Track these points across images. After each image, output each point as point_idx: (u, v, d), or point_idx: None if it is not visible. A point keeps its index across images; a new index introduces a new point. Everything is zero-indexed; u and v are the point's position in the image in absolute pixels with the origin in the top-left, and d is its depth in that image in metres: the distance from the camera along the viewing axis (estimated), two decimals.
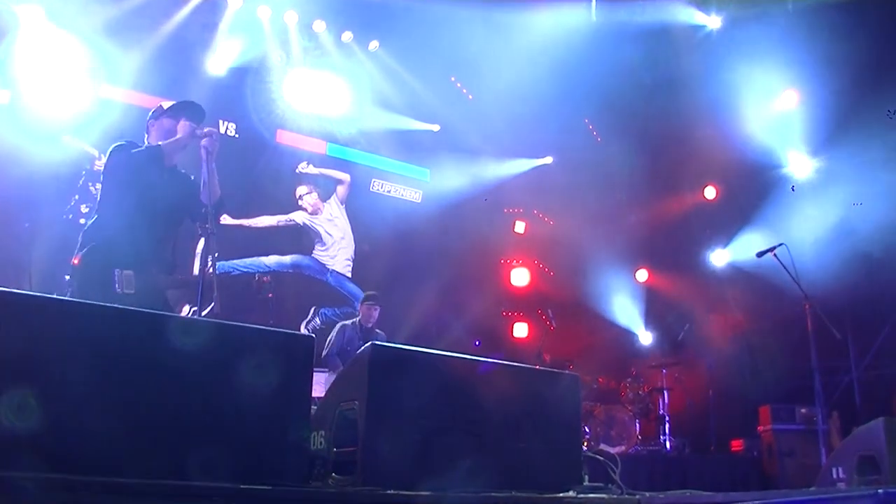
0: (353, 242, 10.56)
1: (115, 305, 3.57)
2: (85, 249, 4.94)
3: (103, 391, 2.90)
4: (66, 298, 3.41)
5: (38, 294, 3.09)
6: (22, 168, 8.15)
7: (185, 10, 9.27)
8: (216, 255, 4.85)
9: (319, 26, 10.18)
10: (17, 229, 7.87)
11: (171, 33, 9.22)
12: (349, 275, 10.45)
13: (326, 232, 10.36)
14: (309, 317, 9.98)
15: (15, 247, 7.87)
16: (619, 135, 11.22)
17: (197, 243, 5.12)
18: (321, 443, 3.58)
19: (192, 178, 5.20)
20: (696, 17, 10.40)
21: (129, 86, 8.99)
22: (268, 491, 2.91)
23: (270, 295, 8.47)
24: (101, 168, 6.98)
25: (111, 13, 8.79)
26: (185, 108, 5.27)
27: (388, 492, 3.13)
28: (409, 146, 11.20)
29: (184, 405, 3.00)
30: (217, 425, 3.03)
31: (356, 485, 3.23)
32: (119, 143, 5.21)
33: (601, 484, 3.86)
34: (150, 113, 5.41)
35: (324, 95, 10.42)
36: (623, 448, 9.52)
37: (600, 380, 10.41)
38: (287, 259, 10.02)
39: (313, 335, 3.44)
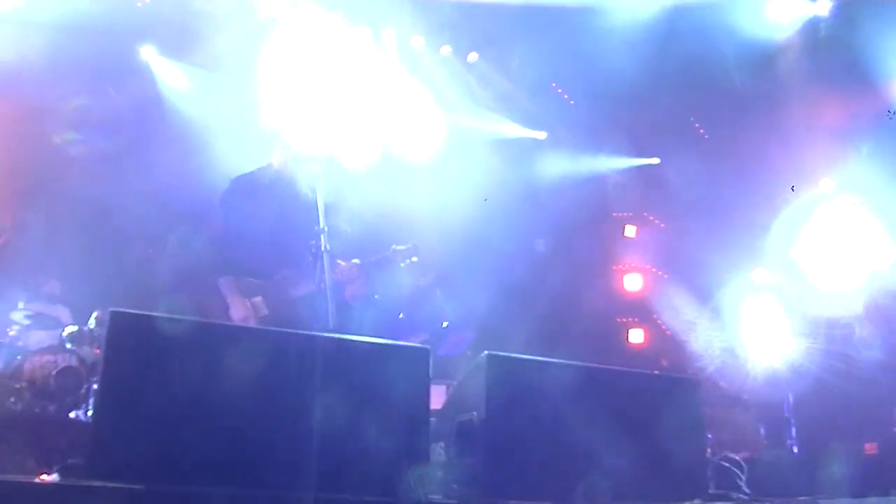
0: None
1: (238, 325, 3.71)
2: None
3: (218, 408, 3.01)
4: (190, 319, 3.57)
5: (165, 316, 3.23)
6: (149, 198, 8.60)
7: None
8: (328, 272, 4.96)
9: (418, 42, 10.28)
10: (145, 254, 8.31)
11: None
12: None
13: None
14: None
15: (144, 271, 8.32)
16: (727, 132, 10.91)
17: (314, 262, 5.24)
18: (441, 454, 3.60)
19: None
20: (803, 6, 10.00)
21: None
22: (388, 503, 2.95)
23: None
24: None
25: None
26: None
27: (510, 503, 3.13)
28: (515, 155, 11.17)
29: (306, 421, 3.08)
30: (338, 440, 3.09)
31: (477, 496, 3.24)
32: (239, 174, 5.54)
33: (727, 492, 3.76)
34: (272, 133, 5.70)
35: (428, 109, 10.51)
36: (748, 454, 9.20)
37: (722, 384, 10.11)
38: None
39: (428, 346, 3.47)
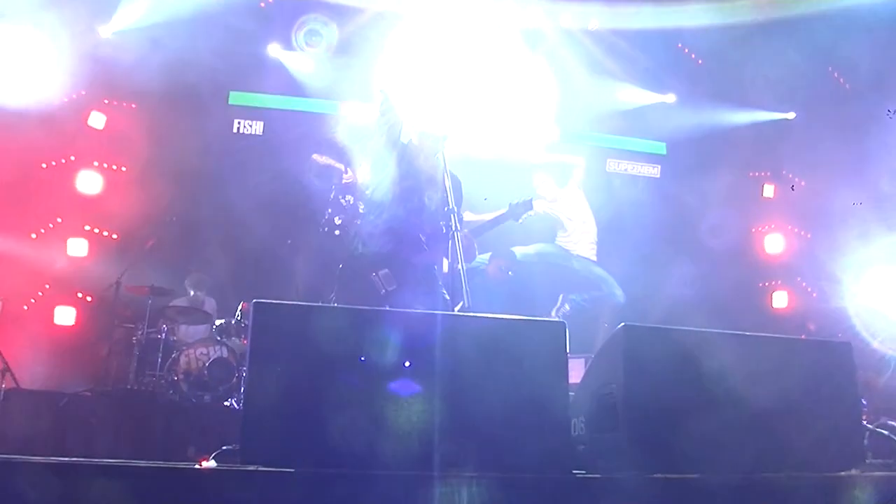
0: (595, 225, 10.41)
1: (372, 308, 3.79)
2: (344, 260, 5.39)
3: (358, 390, 3.09)
4: (331, 305, 3.72)
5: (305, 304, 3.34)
6: (280, 190, 8.89)
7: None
8: (462, 252, 5.00)
9: (537, 15, 10.16)
10: (283, 246, 8.60)
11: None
12: (594, 258, 10.32)
13: (567, 217, 10.29)
14: (558, 304, 9.98)
15: (282, 262, 8.61)
16: (870, 80, 10.29)
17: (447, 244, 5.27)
18: (581, 428, 3.58)
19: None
20: None
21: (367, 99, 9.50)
22: (532, 478, 2.95)
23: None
24: (350, 181, 7.46)
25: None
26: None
27: (654, 476, 3.08)
28: (643, 121, 10.94)
29: (446, 400, 3.12)
30: (480, 418, 3.11)
31: (619, 469, 3.21)
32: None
33: (887, 461, 3.57)
34: None
35: (550, 82, 10.42)
36: None
37: (875, 346, 9.61)
38: (531, 249, 10.07)
39: (564, 321, 3.45)
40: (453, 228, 5.05)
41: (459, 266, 4.95)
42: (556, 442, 3.21)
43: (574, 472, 3.21)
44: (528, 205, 5.85)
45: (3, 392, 6.36)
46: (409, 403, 3.09)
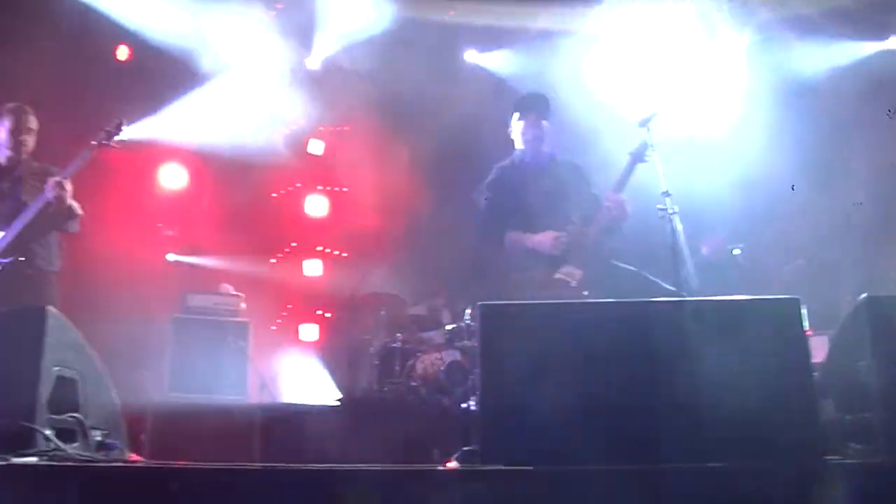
0: None
1: (594, 301, 3.79)
2: None
3: (587, 385, 3.10)
4: (553, 302, 3.78)
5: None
6: None
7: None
8: (680, 233, 4.91)
9: None
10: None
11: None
12: None
13: None
14: None
15: None
16: None
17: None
18: (830, 411, 3.38)
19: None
20: None
21: None
22: (782, 466, 2.84)
23: None
24: None
25: None
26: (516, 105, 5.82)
27: None
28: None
29: (679, 390, 3.07)
30: (719, 408, 3.02)
31: (879, 454, 3.00)
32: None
33: None
34: None
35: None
36: None
37: None
38: None
39: (798, 297, 3.28)
40: (670, 210, 4.96)
41: (680, 248, 4.86)
42: (804, 426, 3.05)
43: (826, 457, 3.04)
44: (644, 145, 5.30)
45: (264, 407, 6.89)
46: (642, 396, 3.06)
